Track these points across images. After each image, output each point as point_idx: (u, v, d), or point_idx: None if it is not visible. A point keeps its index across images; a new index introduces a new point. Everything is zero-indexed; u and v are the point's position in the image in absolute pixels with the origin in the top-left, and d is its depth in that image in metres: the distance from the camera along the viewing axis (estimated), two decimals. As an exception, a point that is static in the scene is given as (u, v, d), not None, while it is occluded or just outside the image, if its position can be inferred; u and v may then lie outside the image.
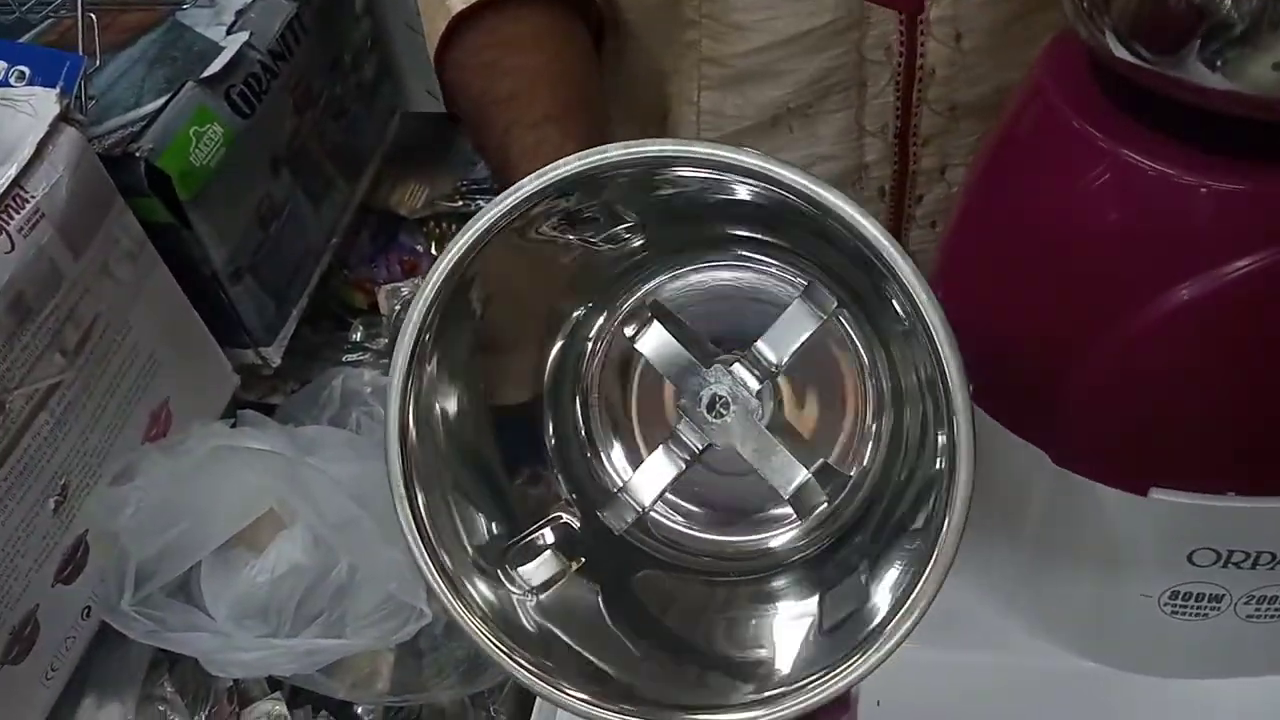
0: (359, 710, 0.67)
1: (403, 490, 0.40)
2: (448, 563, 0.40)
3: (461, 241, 0.38)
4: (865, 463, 0.45)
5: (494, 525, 0.44)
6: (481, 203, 0.93)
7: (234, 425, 0.71)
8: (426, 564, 0.40)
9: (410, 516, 0.40)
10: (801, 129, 0.62)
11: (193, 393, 0.73)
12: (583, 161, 0.36)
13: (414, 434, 0.40)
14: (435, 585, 0.40)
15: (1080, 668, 0.42)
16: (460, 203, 0.94)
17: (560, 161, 0.36)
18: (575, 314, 0.46)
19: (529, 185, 0.36)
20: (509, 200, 0.37)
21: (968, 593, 0.42)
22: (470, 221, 0.38)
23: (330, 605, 0.65)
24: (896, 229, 0.66)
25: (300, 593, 0.65)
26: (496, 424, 0.46)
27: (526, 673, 0.39)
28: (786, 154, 0.63)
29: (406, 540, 0.40)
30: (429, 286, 0.38)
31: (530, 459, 0.47)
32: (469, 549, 0.42)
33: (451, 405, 0.44)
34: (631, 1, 0.64)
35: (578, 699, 0.39)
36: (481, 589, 0.42)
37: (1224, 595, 0.38)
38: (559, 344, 0.46)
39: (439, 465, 0.42)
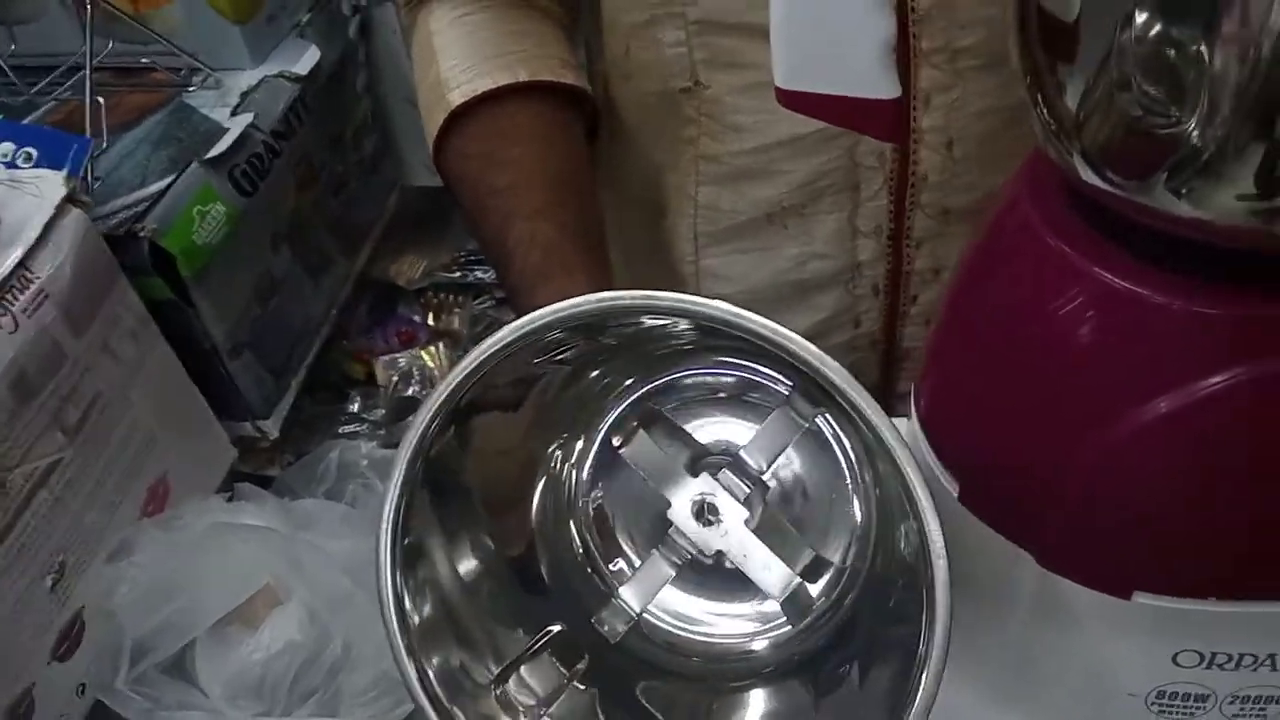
0: (351, 788, 0.67)
1: (404, 654, 0.41)
2: (458, 715, 0.41)
3: (455, 373, 0.39)
4: (854, 554, 0.46)
5: (496, 649, 0.45)
6: (479, 273, 0.95)
7: (230, 499, 0.71)
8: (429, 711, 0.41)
9: (420, 686, 0.41)
10: (796, 227, 0.63)
11: (191, 466, 0.73)
12: (598, 303, 0.37)
13: (408, 599, 0.42)
14: None
15: (1068, 763, 0.42)
16: (458, 273, 0.96)
17: (573, 300, 0.37)
18: (550, 449, 0.47)
19: (538, 318, 0.37)
20: (510, 333, 0.38)
21: (957, 683, 0.43)
22: (465, 356, 0.39)
23: (325, 682, 0.65)
24: (891, 326, 0.67)
25: (295, 669, 0.65)
26: (499, 565, 0.47)
27: None
28: (781, 250, 0.65)
29: (419, 703, 0.41)
30: (422, 421, 0.40)
31: (527, 583, 0.47)
32: (472, 678, 0.43)
33: (452, 563, 0.45)
34: (631, 99, 0.66)
35: None
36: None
37: (1209, 695, 0.38)
38: (541, 482, 0.48)
39: (438, 622, 0.43)
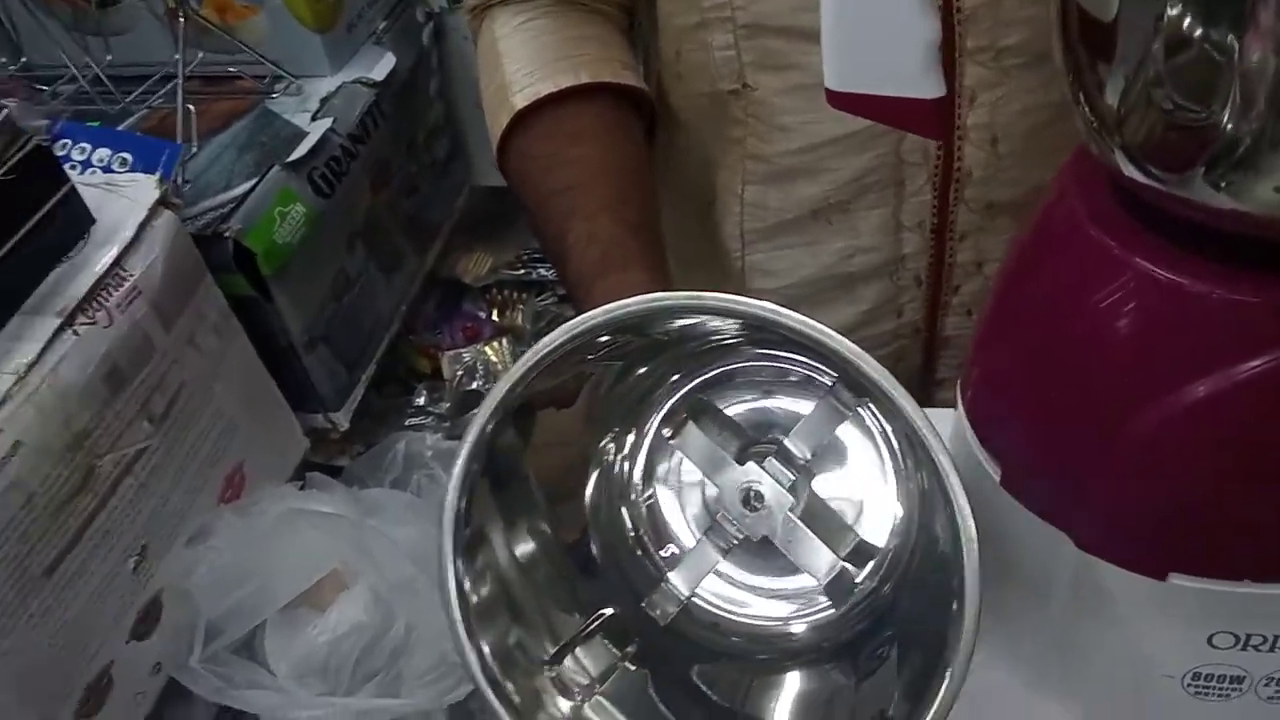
0: (410, 768, 0.69)
1: (465, 638, 0.43)
2: (514, 696, 0.43)
3: (513, 372, 0.41)
4: (896, 539, 0.47)
5: (549, 634, 0.47)
6: (543, 270, 0.98)
7: (302, 488, 0.74)
8: (499, 709, 0.43)
9: (477, 663, 0.43)
10: (841, 223, 0.64)
11: (265, 456, 0.76)
12: (646, 304, 0.39)
13: (466, 575, 0.43)
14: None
15: (1110, 747, 0.43)
16: (523, 270, 0.98)
17: (622, 302, 0.39)
18: (602, 444, 0.49)
19: (589, 319, 0.39)
20: (574, 329, 0.40)
21: (998, 668, 0.44)
22: (521, 358, 0.41)
23: (387, 664, 0.67)
24: (933, 316, 0.67)
25: (359, 651, 0.67)
26: (556, 552, 0.49)
27: None
28: (827, 245, 0.66)
29: (478, 685, 0.43)
30: (481, 417, 0.42)
31: (581, 568, 0.49)
32: (529, 661, 0.45)
33: (511, 548, 0.47)
34: (684, 100, 0.68)
35: None
36: (548, 705, 0.44)
37: (1245, 677, 0.38)
38: (594, 475, 0.49)
39: (495, 603, 0.45)
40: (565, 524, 0.49)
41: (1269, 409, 0.33)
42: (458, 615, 0.43)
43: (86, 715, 0.62)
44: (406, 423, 0.89)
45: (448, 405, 0.91)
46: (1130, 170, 0.33)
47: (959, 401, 0.44)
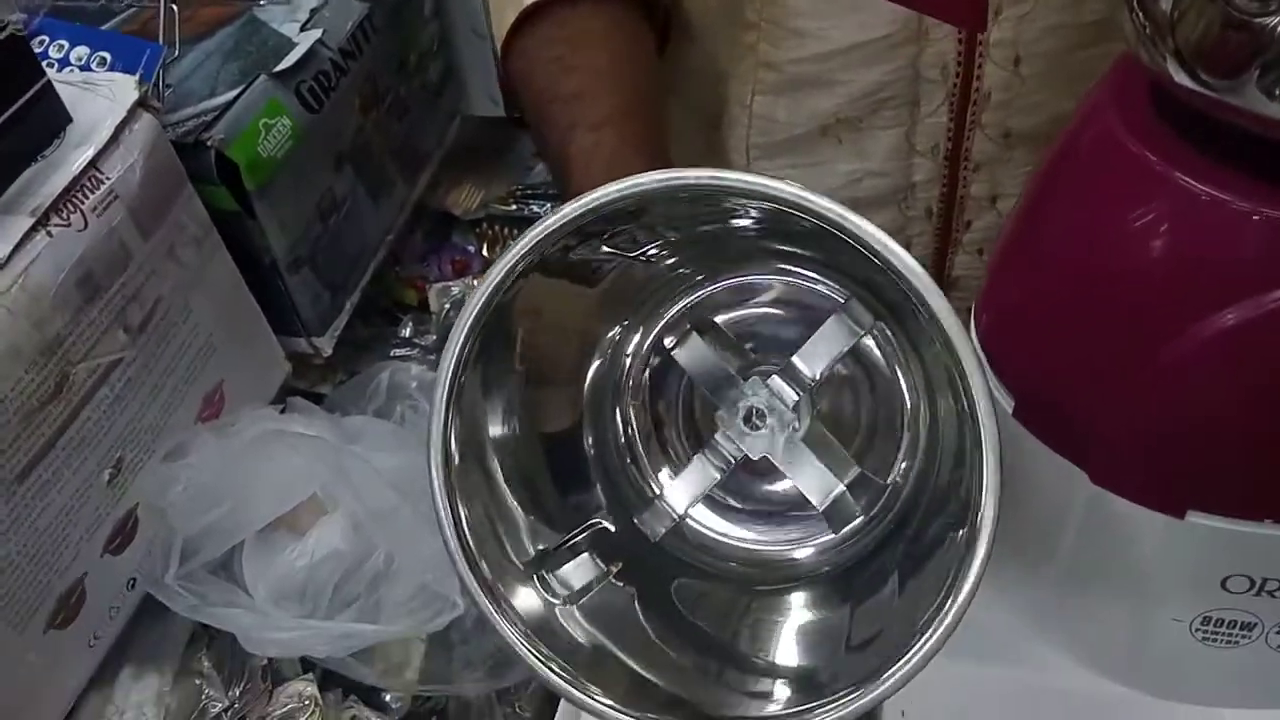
0: (387, 697, 0.68)
1: (445, 503, 0.41)
2: (488, 573, 0.42)
3: (507, 257, 0.39)
4: (901, 473, 0.46)
5: (536, 533, 0.45)
6: (535, 208, 0.96)
7: (283, 411, 0.72)
8: (467, 575, 0.41)
9: (453, 529, 0.41)
10: (851, 142, 0.63)
11: (246, 377, 0.74)
12: (623, 187, 0.37)
13: (456, 451, 0.42)
14: (475, 594, 0.41)
15: (1108, 690, 0.42)
16: (514, 206, 0.96)
17: (604, 188, 0.37)
18: (610, 334, 0.48)
19: (574, 208, 0.38)
20: (560, 217, 0.38)
21: (999, 609, 0.43)
22: (517, 239, 0.39)
23: (366, 592, 0.66)
24: (943, 252, 0.66)
25: (338, 577, 0.66)
26: (541, 444, 0.47)
27: (556, 676, 0.41)
28: (834, 166, 0.64)
29: (449, 551, 0.41)
30: (475, 303, 0.40)
31: (571, 469, 0.48)
32: (510, 558, 0.43)
33: (495, 428, 0.45)
34: (695, 2, 0.65)
35: (602, 704, 0.40)
36: (522, 596, 0.43)
37: (1256, 624, 0.38)
38: (595, 363, 0.48)
39: (480, 479, 0.44)
40: (558, 412, 0.48)
41: (1305, 338, 0.32)
42: (441, 486, 0.41)
43: (59, 626, 0.61)
44: (391, 354, 0.87)
45: (433, 338, 0.89)
46: (1181, 77, 0.31)
47: (972, 327, 0.42)
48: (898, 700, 0.39)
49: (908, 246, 0.65)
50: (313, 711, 0.65)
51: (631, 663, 0.43)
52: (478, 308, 0.40)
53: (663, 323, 0.47)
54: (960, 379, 0.34)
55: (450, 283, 0.90)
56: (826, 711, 0.38)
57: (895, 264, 0.34)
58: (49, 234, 0.58)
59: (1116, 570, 0.39)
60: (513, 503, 0.45)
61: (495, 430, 0.45)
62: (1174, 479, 0.36)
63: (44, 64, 0.64)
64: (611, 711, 0.40)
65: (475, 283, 0.41)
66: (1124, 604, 0.40)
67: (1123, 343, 0.35)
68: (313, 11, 0.77)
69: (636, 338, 0.48)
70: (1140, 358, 0.34)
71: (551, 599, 0.43)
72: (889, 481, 0.45)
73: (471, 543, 0.41)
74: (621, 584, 0.46)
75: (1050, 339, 0.38)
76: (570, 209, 0.38)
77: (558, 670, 0.40)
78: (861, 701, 0.37)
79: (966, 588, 0.34)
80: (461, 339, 0.40)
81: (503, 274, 0.39)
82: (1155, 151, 0.33)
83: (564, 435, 0.48)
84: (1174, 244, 0.33)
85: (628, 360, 0.48)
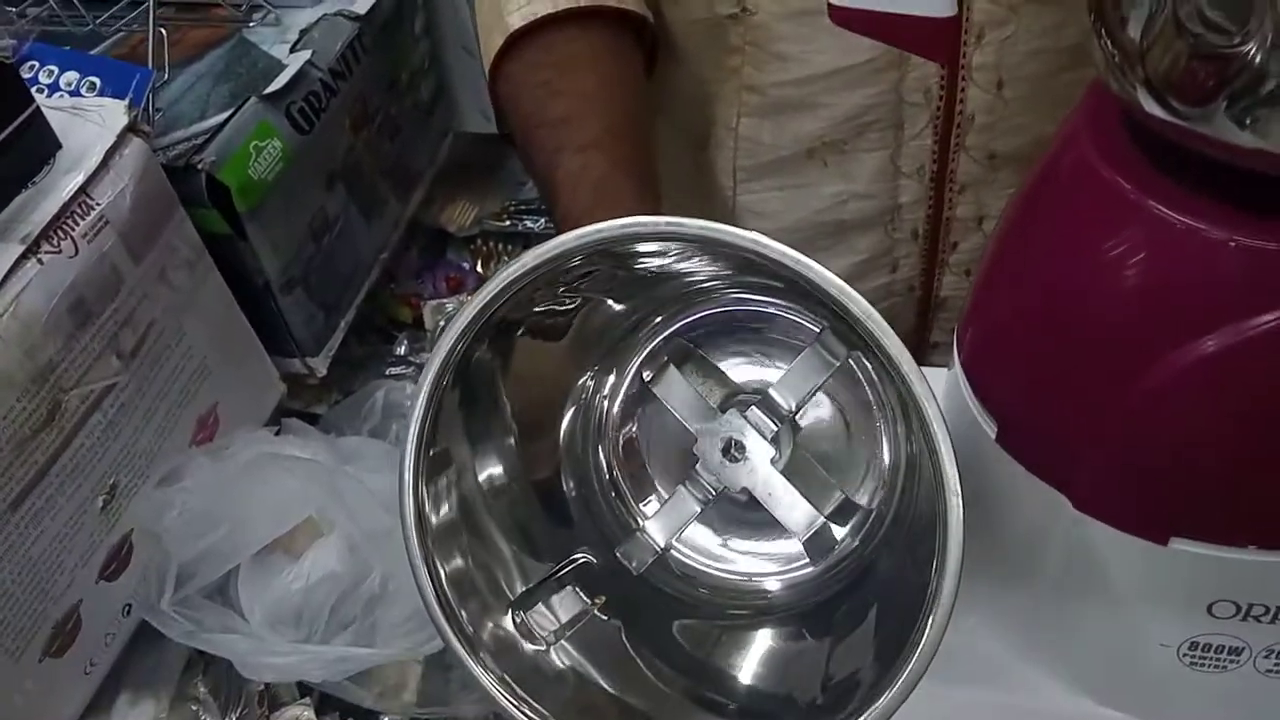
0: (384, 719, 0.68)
1: (420, 557, 0.41)
2: (467, 624, 0.42)
3: (490, 289, 0.39)
4: (881, 499, 0.46)
5: (523, 570, 0.45)
6: (529, 223, 0.96)
7: (278, 433, 0.72)
8: (444, 625, 0.41)
9: (429, 584, 0.41)
10: (836, 165, 0.63)
11: (240, 399, 0.75)
12: (623, 228, 0.37)
13: (433, 506, 0.42)
14: (454, 648, 0.41)
15: (1097, 714, 0.41)
16: (508, 222, 0.96)
17: (598, 226, 0.37)
18: (581, 382, 0.48)
19: (566, 241, 0.37)
20: (542, 254, 0.38)
21: (985, 633, 0.42)
22: (499, 273, 0.39)
23: (362, 614, 0.66)
24: (930, 273, 0.66)
25: (334, 600, 0.66)
26: (527, 489, 0.47)
27: (522, 715, 0.40)
28: (820, 188, 0.64)
29: (427, 606, 0.41)
30: (455, 331, 0.40)
31: (555, 509, 0.48)
32: (493, 602, 0.43)
33: (483, 476, 0.45)
34: (679, 24, 0.65)
35: None
36: (505, 640, 0.43)
37: (1244, 648, 0.37)
38: (569, 411, 0.48)
39: (462, 526, 0.44)
40: (538, 460, 0.48)
41: (1284, 366, 0.32)
42: (414, 534, 0.41)
43: (55, 654, 0.61)
44: (386, 372, 0.87)
45: (428, 356, 0.89)
46: (1150, 106, 0.31)
47: (955, 353, 0.42)
48: (886, 724, 0.39)
49: (895, 268, 0.66)
50: (309, 735, 0.65)
51: (620, 695, 0.43)
52: (438, 363, 0.40)
53: (640, 359, 0.47)
54: (917, 415, 0.34)
55: (445, 299, 0.90)
56: None
57: (844, 302, 0.34)
58: (40, 261, 0.58)
59: (1102, 595, 0.39)
60: (500, 544, 0.45)
61: (483, 476, 0.45)
62: (1156, 506, 0.36)
63: (34, 89, 0.65)
64: None
65: (429, 353, 0.41)
66: (1111, 629, 0.39)
67: (1103, 369, 0.35)
68: (302, 32, 0.77)
69: (611, 378, 0.48)
70: (1120, 384, 0.34)
71: (536, 642, 0.43)
72: (872, 508, 0.45)
73: (451, 595, 0.41)
74: (607, 618, 0.46)
75: (1031, 364, 0.38)
76: (541, 250, 0.38)
77: (531, 715, 0.40)
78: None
79: (936, 618, 0.34)
80: (426, 393, 0.40)
81: (474, 313, 0.39)
82: (1129, 179, 0.33)
83: (547, 480, 0.48)
84: (1150, 271, 0.33)
85: (605, 402, 0.48)
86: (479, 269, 0.94)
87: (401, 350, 0.88)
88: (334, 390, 0.83)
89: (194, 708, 0.65)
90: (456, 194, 0.96)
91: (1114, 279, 0.34)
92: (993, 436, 0.40)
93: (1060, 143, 0.37)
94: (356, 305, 0.84)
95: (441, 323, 0.88)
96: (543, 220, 0.95)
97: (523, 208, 0.96)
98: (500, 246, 0.95)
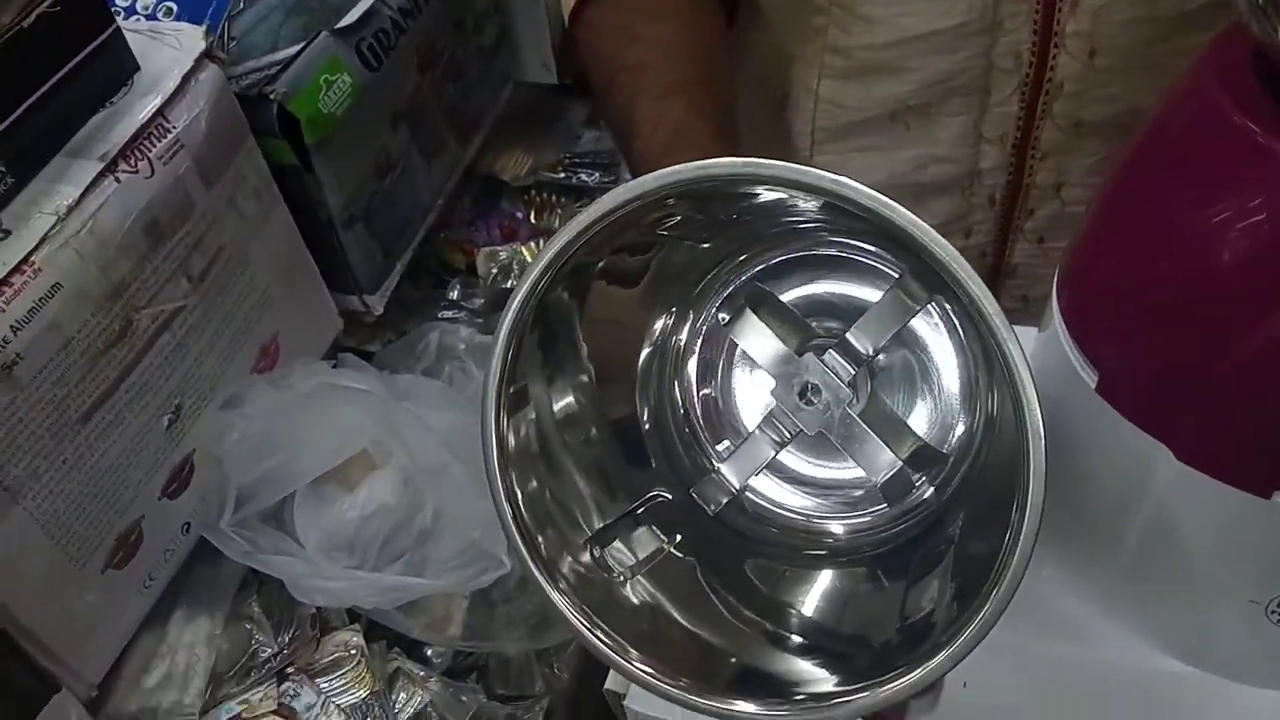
0: (429, 651, 0.69)
1: (499, 478, 0.41)
2: (544, 550, 0.42)
3: (570, 230, 0.39)
4: (959, 447, 0.45)
5: (600, 508, 0.45)
6: (584, 176, 0.95)
7: (335, 366, 0.73)
8: (522, 550, 0.41)
9: (508, 507, 0.41)
10: (918, 128, 0.62)
11: (300, 331, 0.75)
12: (701, 170, 0.37)
13: (509, 428, 0.42)
14: (533, 574, 0.41)
15: (1174, 670, 0.42)
16: (563, 174, 0.95)
17: (681, 166, 0.37)
18: (658, 324, 0.48)
19: (648, 183, 0.37)
20: (625, 194, 0.38)
21: (1064, 585, 0.42)
22: (579, 215, 0.39)
23: (414, 546, 0.67)
24: (1003, 240, 0.65)
25: (387, 531, 0.67)
26: (603, 426, 0.47)
27: (600, 643, 0.41)
28: (900, 151, 0.63)
29: (505, 528, 0.41)
30: (534, 272, 0.40)
31: (631, 447, 0.48)
32: (571, 535, 0.44)
33: (560, 412, 0.45)
34: None
35: (642, 671, 0.40)
36: (582, 572, 0.43)
37: (1334, 607, 0.37)
38: (645, 351, 0.48)
39: (540, 459, 0.44)
40: (614, 401, 0.48)
41: None
42: (497, 469, 0.41)
43: (117, 566, 0.62)
44: (438, 315, 0.87)
45: (481, 301, 0.89)
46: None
47: (1053, 304, 0.42)
48: (960, 672, 0.39)
49: (969, 234, 0.66)
50: (358, 661, 0.66)
51: (696, 629, 0.43)
52: (518, 302, 0.40)
53: (718, 302, 0.47)
54: (1001, 358, 0.34)
55: (498, 247, 0.90)
56: (876, 691, 0.37)
57: (931, 249, 0.34)
58: (117, 180, 0.59)
59: (1194, 550, 0.39)
60: (577, 480, 0.45)
61: (560, 414, 0.46)
62: (1263, 458, 0.35)
63: (112, 10, 0.65)
64: (657, 683, 0.40)
65: (515, 283, 0.41)
66: (1199, 584, 0.39)
67: (1218, 318, 0.35)
68: (375, -32, 0.77)
69: (688, 321, 0.48)
70: (1238, 334, 0.34)
71: (612, 574, 0.44)
72: (950, 454, 0.45)
73: (529, 521, 0.42)
74: (682, 555, 0.46)
75: (1138, 315, 0.38)
76: (609, 200, 0.38)
77: (609, 643, 0.41)
78: (910, 682, 0.37)
79: (1015, 562, 0.34)
80: (507, 328, 0.40)
81: (553, 254, 0.39)
82: (1261, 125, 0.33)
83: (623, 420, 0.48)
84: (1275, 216, 0.33)
85: (681, 344, 0.48)
86: (532, 219, 0.94)
87: (454, 295, 0.89)
88: (387, 330, 0.84)
89: (248, 626, 0.66)
90: (513, 143, 0.96)
91: (1239, 226, 0.33)
92: (1092, 386, 0.39)
93: (1182, 88, 0.36)
94: (414, 246, 0.84)
95: (494, 270, 0.89)
96: (598, 174, 0.95)
97: (578, 160, 0.96)
98: (554, 198, 0.95)
